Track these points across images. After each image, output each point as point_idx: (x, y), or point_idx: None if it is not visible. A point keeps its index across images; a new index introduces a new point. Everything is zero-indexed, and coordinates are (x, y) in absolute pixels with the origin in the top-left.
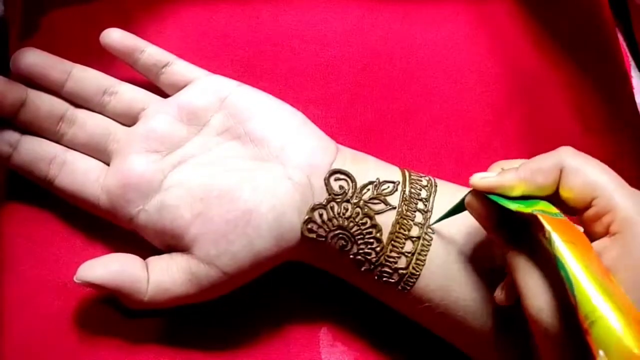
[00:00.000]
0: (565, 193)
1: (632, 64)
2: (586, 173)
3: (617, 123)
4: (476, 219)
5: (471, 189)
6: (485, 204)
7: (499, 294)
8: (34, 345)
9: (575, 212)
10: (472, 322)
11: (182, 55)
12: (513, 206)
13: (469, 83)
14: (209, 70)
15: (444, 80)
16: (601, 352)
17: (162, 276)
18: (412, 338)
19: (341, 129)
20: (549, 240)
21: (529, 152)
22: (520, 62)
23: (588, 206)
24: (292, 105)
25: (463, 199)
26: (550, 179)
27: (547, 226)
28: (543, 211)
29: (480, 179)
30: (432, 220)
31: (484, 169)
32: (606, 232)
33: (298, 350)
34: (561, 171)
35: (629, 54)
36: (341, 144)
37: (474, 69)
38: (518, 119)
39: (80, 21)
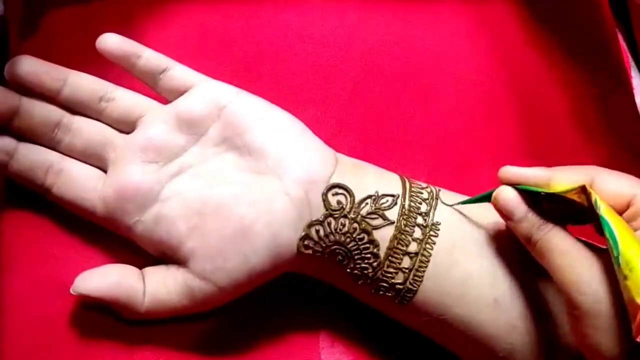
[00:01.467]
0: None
1: (632, 64)
2: (620, 178)
3: (617, 123)
4: (503, 209)
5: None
6: (517, 192)
7: None
8: (34, 346)
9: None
10: (472, 335)
11: (181, 55)
12: (551, 191)
13: (469, 83)
14: (209, 70)
15: (443, 80)
16: None
17: (158, 288)
18: (412, 343)
19: (340, 129)
20: (595, 203)
21: (529, 153)
22: (520, 62)
23: (626, 207)
24: (291, 105)
25: (489, 193)
26: (582, 180)
27: (594, 194)
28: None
29: (512, 170)
30: (452, 202)
31: (484, 169)
32: None
33: (297, 354)
34: (593, 180)
35: (629, 54)
36: (340, 144)
37: (474, 69)
38: (517, 119)
39: (80, 21)
